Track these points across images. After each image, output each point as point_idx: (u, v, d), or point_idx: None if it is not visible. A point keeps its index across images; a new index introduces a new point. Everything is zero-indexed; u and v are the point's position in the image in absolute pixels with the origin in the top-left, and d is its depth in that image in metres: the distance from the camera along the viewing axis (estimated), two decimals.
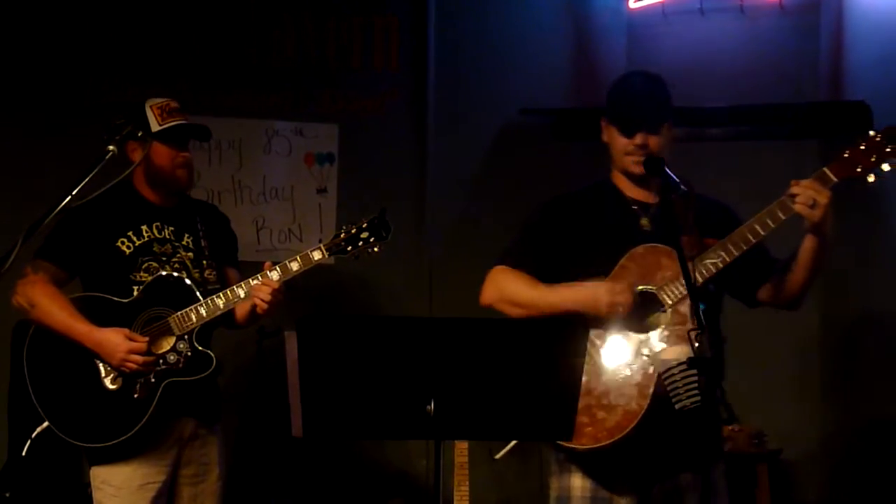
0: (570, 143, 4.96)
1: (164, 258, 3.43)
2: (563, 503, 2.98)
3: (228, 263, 3.62)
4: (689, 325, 2.82)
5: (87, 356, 3.31)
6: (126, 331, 3.30)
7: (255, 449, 4.70)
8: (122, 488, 3.33)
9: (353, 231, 3.43)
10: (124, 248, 3.41)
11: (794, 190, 2.81)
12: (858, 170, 2.83)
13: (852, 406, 4.83)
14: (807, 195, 2.78)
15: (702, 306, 2.57)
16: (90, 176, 2.88)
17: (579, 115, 4.97)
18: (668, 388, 2.81)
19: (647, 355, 2.87)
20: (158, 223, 3.48)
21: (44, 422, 3.33)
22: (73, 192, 2.81)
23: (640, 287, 2.91)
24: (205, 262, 3.50)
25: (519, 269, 3.03)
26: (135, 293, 3.37)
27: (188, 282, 3.40)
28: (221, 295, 3.37)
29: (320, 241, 3.45)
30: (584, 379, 2.60)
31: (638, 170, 2.98)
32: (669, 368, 2.81)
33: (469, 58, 5.22)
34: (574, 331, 2.53)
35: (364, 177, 5.10)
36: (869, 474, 4.68)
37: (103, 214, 3.39)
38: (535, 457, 4.73)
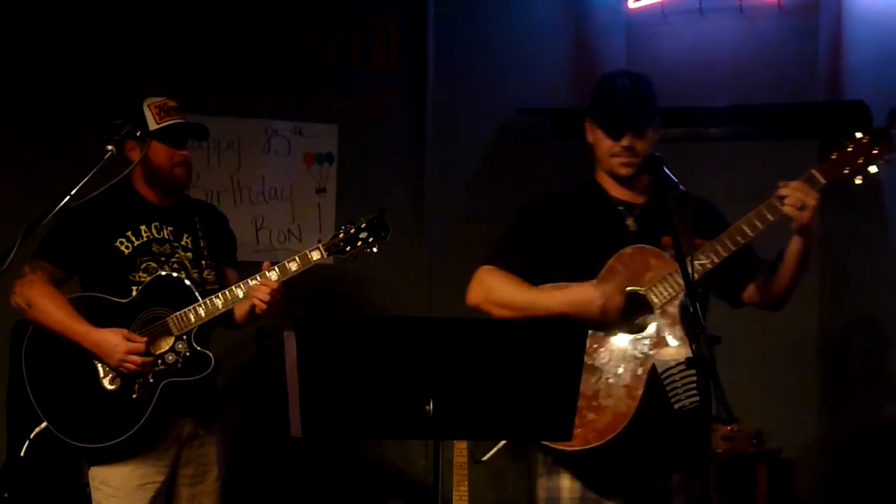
0: (569, 143, 4.95)
1: (162, 258, 3.43)
2: None
3: (227, 263, 3.62)
4: (679, 326, 2.83)
5: (85, 356, 3.31)
6: (124, 331, 3.30)
7: (253, 449, 4.69)
8: (120, 488, 3.33)
9: (352, 231, 3.43)
10: (123, 248, 3.41)
11: (783, 192, 2.80)
12: (846, 171, 2.83)
13: (851, 406, 4.83)
14: (795, 197, 2.78)
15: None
16: (89, 176, 2.88)
17: (579, 115, 4.94)
18: (668, 389, 2.81)
19: (637, 357, 2.87)
20: (157, 223, 3.48)
21: (42, 422, 3.34)
22: (72, 192, 2.81)
23: (629, 288, 2.91)
24: (203, 262, 3.49)
25: (506, 270, 3.02)
26: (133, 293, 3.37)
27: (187, 282, 3.40)
28: (220, 295, 3.37)
29: (319, 241, 3.44)
30: None
31: (625, 171, 2.98)
32: (668, 369, 2.81)
33: (468, 58, 5.21)
34: (574, 332, 2.53)
35: (363, 177, 5.09)
36: (868, 474, 4.68)
37: (102, 214, 3.39)
38: (526, 458, 4.73)
